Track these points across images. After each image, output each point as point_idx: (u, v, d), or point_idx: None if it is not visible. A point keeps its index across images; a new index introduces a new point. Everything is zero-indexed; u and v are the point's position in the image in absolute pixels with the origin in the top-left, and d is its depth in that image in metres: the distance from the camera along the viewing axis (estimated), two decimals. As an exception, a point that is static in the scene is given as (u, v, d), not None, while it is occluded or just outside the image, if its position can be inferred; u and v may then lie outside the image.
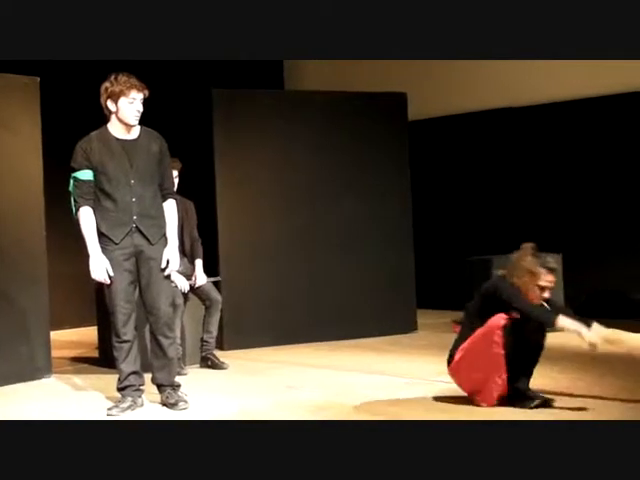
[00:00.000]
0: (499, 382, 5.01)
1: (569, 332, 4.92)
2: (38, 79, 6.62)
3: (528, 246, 5.26)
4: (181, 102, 10.42)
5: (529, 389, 5.09)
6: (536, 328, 5.05)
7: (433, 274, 10.22)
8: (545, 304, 5.18)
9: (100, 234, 5.22)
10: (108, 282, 5.21)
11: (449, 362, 5.23)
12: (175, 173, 6.73)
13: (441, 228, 10.45)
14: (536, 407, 4.95)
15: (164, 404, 5.35)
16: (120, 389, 5.32)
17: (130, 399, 5.28)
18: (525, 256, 5.19)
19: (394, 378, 6.14)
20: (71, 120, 8.71)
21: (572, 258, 8.79)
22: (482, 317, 5.10)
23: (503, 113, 10.01)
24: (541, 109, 9.74)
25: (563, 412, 4.87)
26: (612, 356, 6.79)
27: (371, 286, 8.37)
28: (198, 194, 7.42)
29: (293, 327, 8.07)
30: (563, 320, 4.93)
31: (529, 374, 5.13)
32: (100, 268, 5.18)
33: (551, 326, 4.97)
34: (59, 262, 8.65)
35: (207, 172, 8.09)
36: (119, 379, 5.33)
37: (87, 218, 5.21)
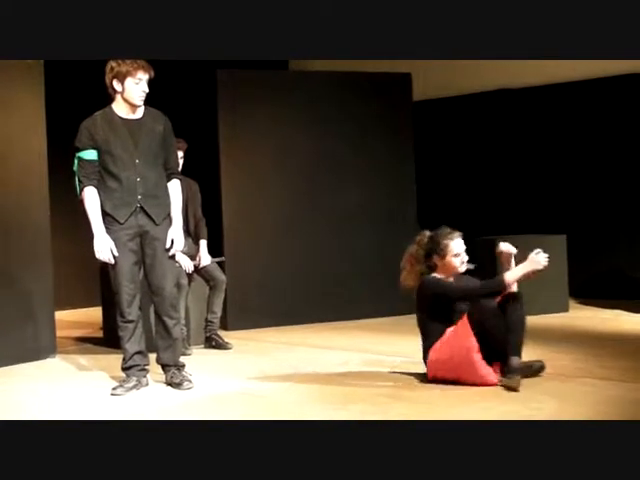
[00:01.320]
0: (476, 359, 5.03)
1: (523, 279, 5.09)
2: (42, 61, 6.60)
3: (422, 233, 5.50)
4: (186, 82, 10.40)
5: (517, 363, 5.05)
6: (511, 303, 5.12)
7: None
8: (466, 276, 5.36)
9: (104, 214, 5.22)
10: (112, 262, 5.21)
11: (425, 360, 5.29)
12: (180, 154, 6.75)
13: (445, 209, 10.42)
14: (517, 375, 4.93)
15: (169, 384, 5.36)
16: (125, 369, 5.34)
17: (135, 379, 5.30)
18: (422, 241, 5.42)
19: (393, 358, 6.15)
20: (75, 102, 8.70)
21: (576, 239, 8.79)
22: (436, 318, 5.22)
23: (509, 94, 9.98)
24: (546, 90, 9.70)
25: (562, 394, 4.88)
26: (617, 336, 6.81)
27: (374, 267, 8.36)
28: (203, 174, 7.43)
29: (297, 308, 8.08)
30: (510, 275, 5.08)
31: (515, 347, 5.09)
32: (105, 248, 5.18)
33: (505, 289, 5.08)
34: (64, 242, 8.66)
35: (211, 152, 8.09)
36: (124, 359, 5.34)
37: (91, 198, 5.21)
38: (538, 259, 5.04)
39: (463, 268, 5.28)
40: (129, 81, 5.16)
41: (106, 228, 5.21)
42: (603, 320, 7.74)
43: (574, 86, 9.47)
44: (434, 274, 5.31)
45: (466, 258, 5.27)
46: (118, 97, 5.24)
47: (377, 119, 8.47)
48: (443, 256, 5.25)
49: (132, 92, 5.18)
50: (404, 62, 8.09)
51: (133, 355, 5.31)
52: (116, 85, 5.20)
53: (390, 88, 8.58)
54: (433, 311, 5.23)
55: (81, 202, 5.26)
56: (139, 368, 5.34)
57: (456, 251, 5.24)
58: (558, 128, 9.67)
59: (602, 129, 9.34)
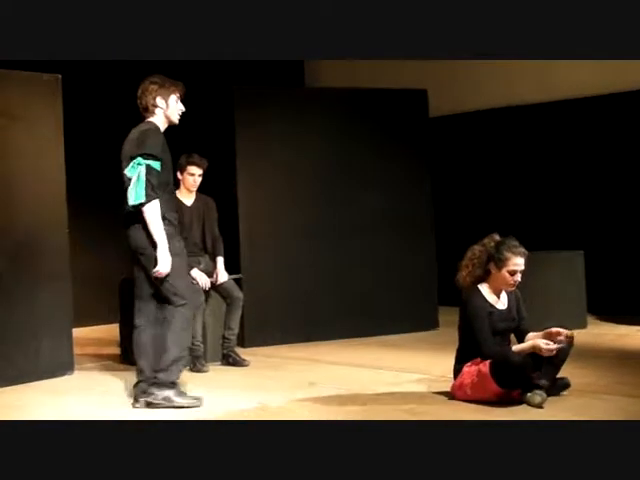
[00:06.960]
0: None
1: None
2: (60, 77, 6.65)
3: (491, 236, 5.27)
4: (203, 100, 10.44)
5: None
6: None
7: (455, 270, 10.19)
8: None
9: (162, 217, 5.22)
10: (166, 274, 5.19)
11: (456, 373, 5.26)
12: (200, 172, 6.78)
13: (462, 224, 10.42)
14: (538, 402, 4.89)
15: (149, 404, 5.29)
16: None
17: None
18: (488, 244, 5.22)
19: (414, 375, 6.14)
20: (93, 118, 8.76)
21: (594, 255, 8.75)
22: (467, 341, 5.18)
23: (524, 110, 9.97)
24: (562, 105, 9.69)
25: (577, 408, 4.86)
26: (634, 353, 6.78)
27: (392, 283, 8.36)
28: (219, 191, 7.45)
29: (314, 324, 8.08)
30: (518, 349, 5.00)
31: (546, 375, 5.06)
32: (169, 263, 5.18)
33: (516, 362, 4.94)
34: (82, 259, 8.69)
35: (228, 169, 8.12)
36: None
37: (158, 212, 5.17)
38: (542, 347, 4.90)
39: (510, 289, 5.16)
40: (172, 98, 5.30)
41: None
42: (621, 336, 7.71)
43: (593, 101, 9.44)
44: (484, 284, 5.20)
45: (519, 279, 5.11)
46: (160, 115, 5.32)
47: (393, 136, 8.47)
48: (500, 267, 5.10)
49: (174, 109, 5.32)
50: (420, 79, 8.13)
51: None
52: (159, 102, 5.29)
53: (406, 105, 8.59)
54: (466, 332, 5.19)
55: (139, 210, 5.15)
56: None
57: (513, 267, 5.09)
58: (576, 143, 9.65)
59: (620, 145, 9.31)
